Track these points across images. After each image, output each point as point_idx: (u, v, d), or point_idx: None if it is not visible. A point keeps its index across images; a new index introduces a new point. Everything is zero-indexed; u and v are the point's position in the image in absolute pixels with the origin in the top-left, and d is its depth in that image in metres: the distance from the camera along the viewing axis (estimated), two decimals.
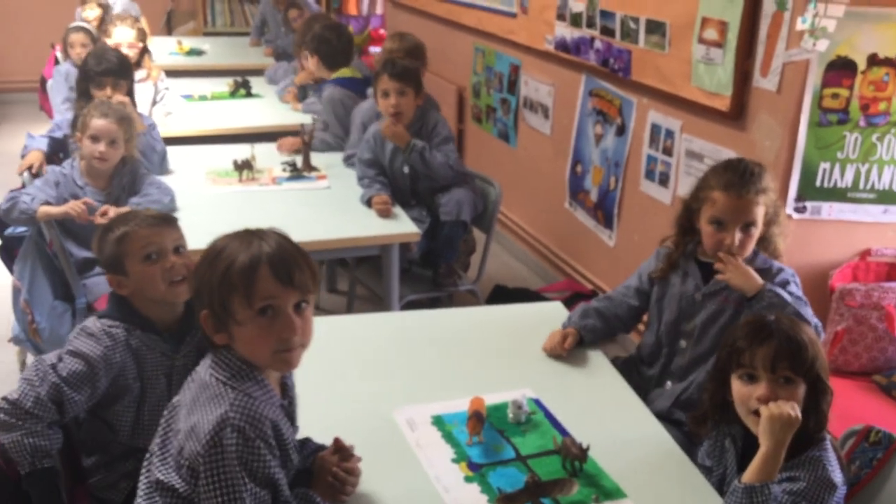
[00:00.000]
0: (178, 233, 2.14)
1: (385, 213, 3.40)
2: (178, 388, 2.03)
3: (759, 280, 2.18)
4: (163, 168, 3.83)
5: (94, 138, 3.20)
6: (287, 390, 1.69)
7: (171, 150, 3.99)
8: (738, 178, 2.22)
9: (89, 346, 1.97)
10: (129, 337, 2.03)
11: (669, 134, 3.56)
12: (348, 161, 4.02)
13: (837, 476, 1.68)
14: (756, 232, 2.24)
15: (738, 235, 2.21)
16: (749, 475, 1.63)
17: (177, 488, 1.51)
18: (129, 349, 2.02)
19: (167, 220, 2.16)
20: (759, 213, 2.23)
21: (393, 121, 3.59)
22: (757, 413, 1.70)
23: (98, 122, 3.19)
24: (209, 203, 3.49)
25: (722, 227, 2.23)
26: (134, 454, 2.02)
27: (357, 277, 3.95)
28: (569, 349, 2.33)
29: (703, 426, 1.88)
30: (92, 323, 2.03)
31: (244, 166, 3.71)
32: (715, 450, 1.88)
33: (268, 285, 1.52)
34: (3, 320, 3.80)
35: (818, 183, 2.98)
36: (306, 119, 4.46)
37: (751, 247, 2.25)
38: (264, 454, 1.50)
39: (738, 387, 1.75)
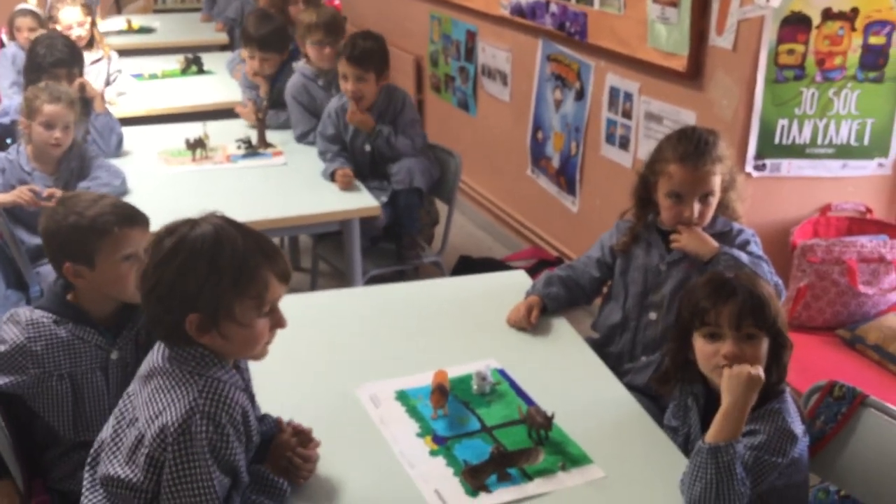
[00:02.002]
0: (148, 233, 2.03)
1: (348, 187, 3.35)
2: (117, 381, 2.00)
3: (714, 244, 2.17)
4: (119, 150, 3.74)
5: (48, 125, 3.11)
6: (241, 372, 1.65)
7: (122, 131, 3.89)
8: (692, 148, 2.20)
9: (12, 334, 1.92)
10: (56, 329, 1.95)
11: (628, 97, 3.53)
12: (302, 139, 3.95)
13: (798, 427, 1.68)
14: (714, 200, 2.22)
15: (696, 206, 2.19)
16: (712, 434, 1.61)
17: (126, 479, 1.48)
18: (55, 341, 1.94)
19: (145, 221, 2.05)
20: (716, 182, 2.21)
21: (357, 108, 3.51)
22: (722, 367, 1.70)
23: (50, 108, 3.11)
24: (163, 184, 3.41)
25: (680, 200, 2.21)
26: (88, 445, 1.97)
27: (319, 254, 3.90)
28: (535, 322, 2.30)
29: (665, 385, 1.88)
30: (23, 312, 1.97)
31: (197, 145, 3.63)
32: (679, 409, 1.87)
33: (277, 290, 1.58)
34: None
35: (777, 140, 2.97)
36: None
37: (710, 215, 2.23)
38: (232, 441, 1.49)
39: (701, 345, 1.75)
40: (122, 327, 2.03)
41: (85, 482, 1.60)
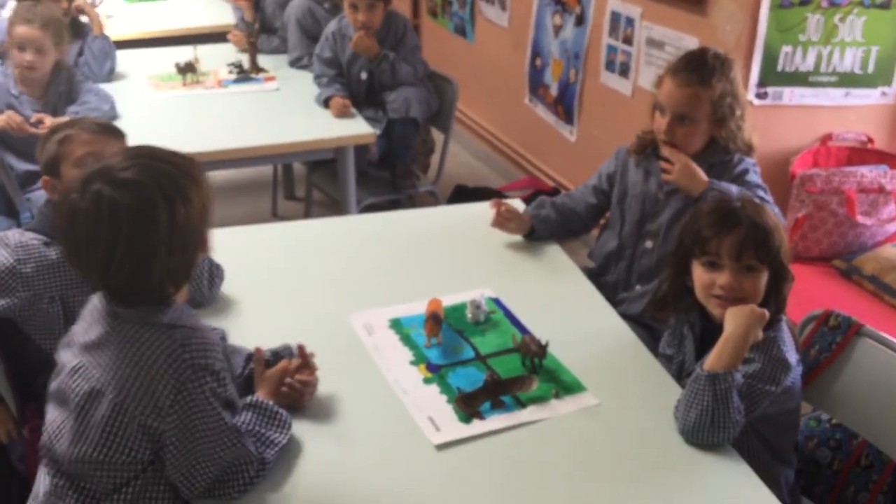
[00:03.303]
0: (120, 144, 2.01)
1: (343, 115, 3.29)
2: None
3: (704, 179, 2.11)
4: (110, 77, 3.66)
5: (20, 47, 3.04)
6: None
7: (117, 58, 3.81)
8: (684, 65, 2.14)
9: (1, 257, 1.90)
10: (46, 250, 1.93)
11: (629, 22, 3.44)
12: (295, 64, 3.87)
13: (792, 356, 1.68)
14: (696, 126, 2.15)
15: (665, 121, 2.14)
16: (711, 361, 1.60)
17: (108, 459, 1.39)
18: (45, 263, 1.92)
19: (112, 130, 2.03)
20: (698, 106, 2.13)
21: (363, 33, 3.42)
22: (719, 297, 1.68)
23: (21, 30, 3.03)
24: (152, 109, 3.35)
25: (663, 113, 2.16)
26: None
27: (313, 182, 3.86)
28: (509, 228, 2.30)
29: (662, 311, 1.86)
30: (12, 234, 1.95)
31: (187, 69, 3.55)
32: (674, 338, 1.86)
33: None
34: None
35: (780, 67, 2.91)
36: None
37: (694, 141, 2.17)
38: (226, 379, 1.46)
39: (699, 273, 1.73)
40: None
41: (41, 476, 1.49)
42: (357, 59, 3.55)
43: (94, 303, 1.48)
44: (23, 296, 1.91)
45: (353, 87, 3.57)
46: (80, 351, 1.44)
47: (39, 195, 3.11)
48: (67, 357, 1.47)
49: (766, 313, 1.64)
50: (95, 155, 1.93)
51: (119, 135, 2.05)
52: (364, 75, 3.55)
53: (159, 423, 1.38)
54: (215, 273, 2.01)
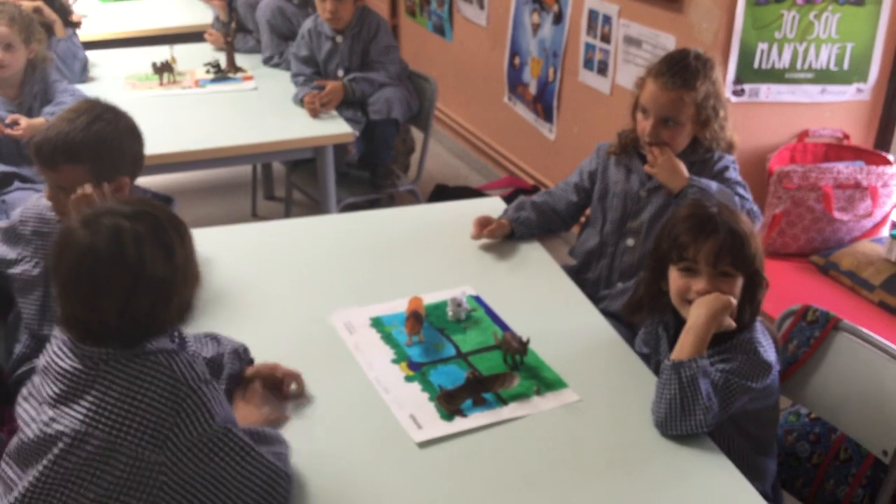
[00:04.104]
0: (58, 175, 1.92)
1: (314, 113, 3.28)
2: None
3: (685, 175, 2.12)
4: (83, 76, 3.63)
5: None
6: None
7: (88, 55, 3.77)
8: (667, 68, 2.14)
9: (16, 214, 2.01)
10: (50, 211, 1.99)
11: (607, 20, 3.46)
12: (268, 63, 3.86)
13: (770, 355, 1.69)
14: (680, 128, 2.16)
15: (650, 123, 2.15)
16: (676, 351, 1.64)
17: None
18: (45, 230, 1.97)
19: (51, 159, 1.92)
20: (682, 109, 2.13)
21: (315, 98, 3.30)
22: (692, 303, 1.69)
23: None
24: (130, 109, 3.25)
25: (647, 115, 2.17)
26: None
27: (293, 182, 3.84)
28: (490, 236, 2.30)
29: (637, 314, 1.87)
30: (35, 197, 2.04)
31: (164, 69, 3.53)
32: (650, 337, 1.87)
33: None
34: None
35: (756, 65, 2.93)
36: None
37: (678, 142, 2.18)
38: (220, 393, 1.39)
39: (675, 277, 1.73)
40: None
41: None
42: (333, 56, 3.53)
43: (53, 358, 1.34)
44: (19, 252, 1.96)
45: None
46: (49, 406, 1.31)
47: (15, 196, 3.08)
48: (31, 413, 1.33)
49: (732, 300, 1.65)
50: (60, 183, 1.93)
51: (56, 164, 1.95)
52: (340, 72, 3.54)
53: (157, 455, 1.27)
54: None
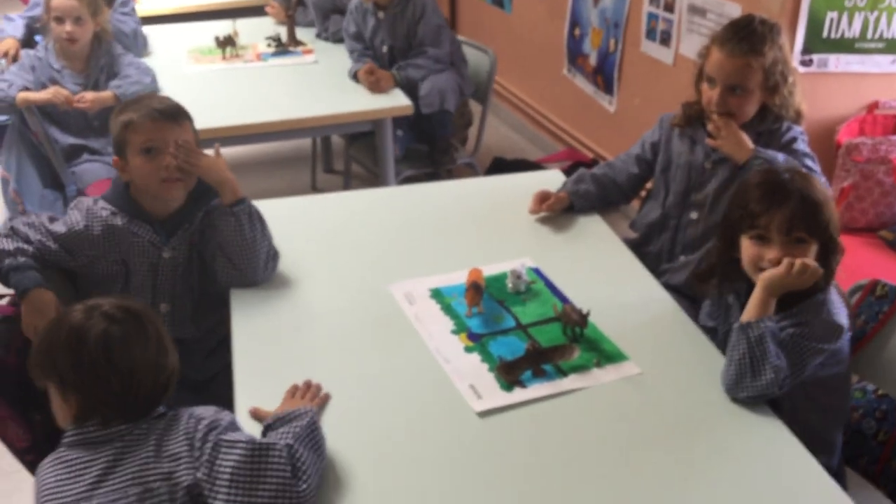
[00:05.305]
0: (182, 130, 1.98)
1: (374, 86, 3.26)
2: (164, 283, 2.02)
3: (749, 146, 2.08)
4: (137, 50, 3.69)
5: (59, 19, 3.08)
6: None
7: (151, 30, 3.85)
8: (732, 34, 2.09)
9: (75, 218, 1.99)
10: (112, 217, 1.99)
11: None
12: (318, 37, 3.89)
13: (843, 318, 1.65)
14: (749, 96, 2.11)
15: (716, 92, 2.11)
16: (744, 315, 1.63)
17: None
18: (111, 227, 1.99)
19: (173, 115, 1.99)
20: (750, 76, 2.08)
21: (368, 76, 3.29)
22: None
23: (58, 1, 3.06)
24: (192, 83, 3.38)
25: (713, 84, 2.13)
26: None
27: (352, 155, 3.87)
28: (549, 210, 2.28)
29: (706, 283, 1.84)
30: (86, 200, 2.04)
31: (227, 43, 3.57)
32: (718, 308, 1.85)
33: None
34: None
35: (825, 34, 2.84)
36: None
37: (746, 110, 2.13)
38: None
39: (748, 246, 1.70)
40: (178, 227, 2.03)
41: None
42: (377, 33, 3.50)
43: (70, 464, 1.37)
44: (89, 254, 1.99)
45: (379, 60, 3.52)
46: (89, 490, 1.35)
47: (84, 168, 3.17)
48: None
49: (805, 261, 1.61)
50: (156, 141, 1.94)
51: (181, 119, 2.00)
52: (385, 48, 3.50)
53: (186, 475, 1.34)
54: (271, 256, 2.03)
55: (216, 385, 2.04)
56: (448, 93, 3.40)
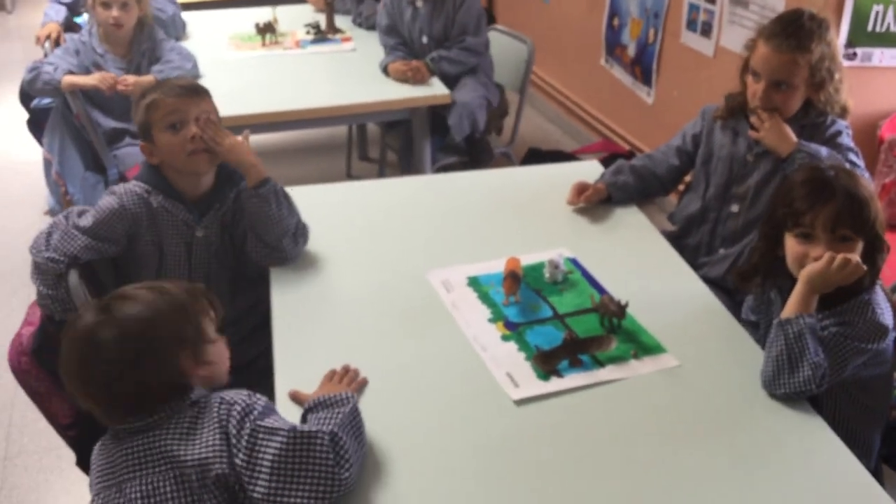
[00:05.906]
0: (204, 103, 2.04)
1: (403, 78, 3.26)
2: (199, 263, 2.04)
3: (793, 140, 2.06)
4: (175, 34, 3.72)
5: (105, 4, 3.12)
6: None
7: (191, 16, 3.89)
8: (780, 29, 2.07)
9: (108, 202, 1.99)
10: (148, 196, 2.01)
11: None
12: (355, 22, 3.90)
13: (888, 318, 1.64)
14: (793, 92, 2.09)
15: (761, 87, 2.08)
16: (784, 312, 1.63)
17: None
18: (146, 206, 2.01)
19: (194, 90, 2.05)
20: (796, 72, 2.06)
21: (407, 72, 3.28)
22: None
23: None
24: (232, 69, 3.40)
25: (757, 79, 2.11)
26: None
27: (387, 143, 3.88)
28: (586, 202, 2.27)
29: (749, 281, 1.83)
30: (120, 185, 2.05)
31: (266, 29, 3.60)
32: (761, 304, 1.83)
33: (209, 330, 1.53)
34: (40, 193, 3.83)
35: (869, 28, 2.81)
36: None
37: (790, 106, 2.11)
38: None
39: (792, 244, 1.69)
40: (210, 208, 2.06)
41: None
42: (415, 23, 3.48)
43: (111, 450, 1.40)
44: (124, 234, 2.00)
45: (417, 51, 3.49)
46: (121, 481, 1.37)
47: (126, 152, 3.21)
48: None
49: (847, 256, 1.60)
50: (180, 115, 1.97)
51: (202, 94, 2.06)
52: (425, 39, 3.49)
53: (222, 467, 1.33)
54: (300, 232, 2.05)
55: (250, 372, 2.06)
56: (476, 112, 3.35)
